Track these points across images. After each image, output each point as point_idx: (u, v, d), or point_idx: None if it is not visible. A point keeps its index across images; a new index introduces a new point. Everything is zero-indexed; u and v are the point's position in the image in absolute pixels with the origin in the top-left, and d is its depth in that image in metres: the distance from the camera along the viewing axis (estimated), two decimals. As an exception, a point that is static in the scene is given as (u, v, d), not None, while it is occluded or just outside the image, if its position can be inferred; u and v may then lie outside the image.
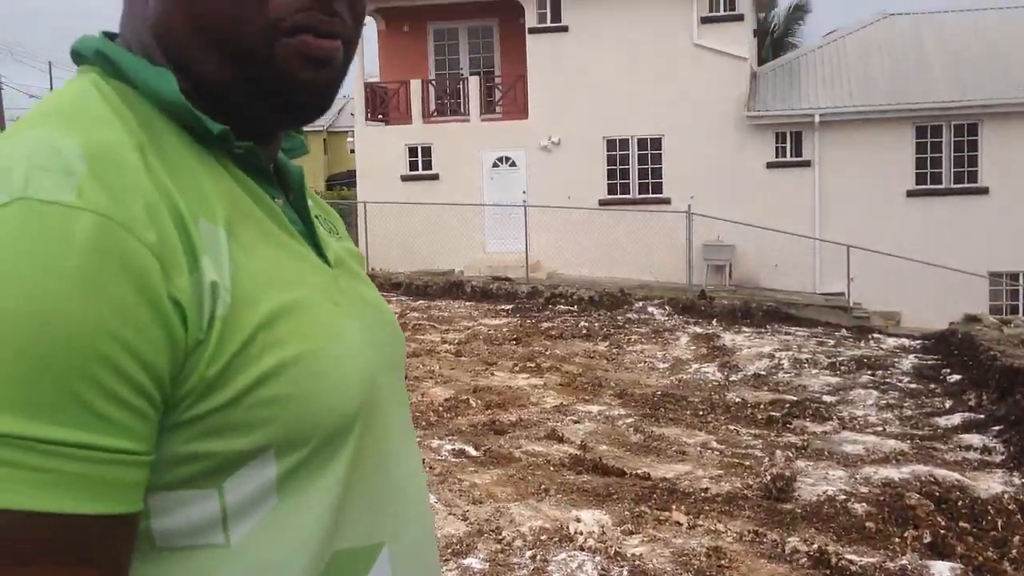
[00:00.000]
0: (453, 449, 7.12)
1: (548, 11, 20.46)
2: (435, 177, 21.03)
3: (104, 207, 0.70)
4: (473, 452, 7.08)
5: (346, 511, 0.84)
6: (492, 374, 10.03)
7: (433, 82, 22.03)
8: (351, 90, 21.61)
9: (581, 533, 5.38)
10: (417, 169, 21.23)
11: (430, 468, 6.53)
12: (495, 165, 20.79)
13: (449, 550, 5.16)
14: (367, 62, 22.04)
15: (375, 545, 0.87)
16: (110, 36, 0.88)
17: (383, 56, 22.75)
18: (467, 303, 15.44)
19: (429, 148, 21.15)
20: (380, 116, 22.05)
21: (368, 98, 21.67)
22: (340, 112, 43.32)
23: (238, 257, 0.78)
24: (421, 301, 15.51)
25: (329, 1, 0.84)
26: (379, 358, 0.90)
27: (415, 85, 21.31)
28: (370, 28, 22.23)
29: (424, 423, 7.91)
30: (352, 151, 24.21)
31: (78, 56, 0.86)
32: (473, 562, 5.03)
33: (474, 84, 21.11)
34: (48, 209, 0.69)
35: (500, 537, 5.36)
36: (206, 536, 0.76)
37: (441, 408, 8.42)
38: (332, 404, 0.81)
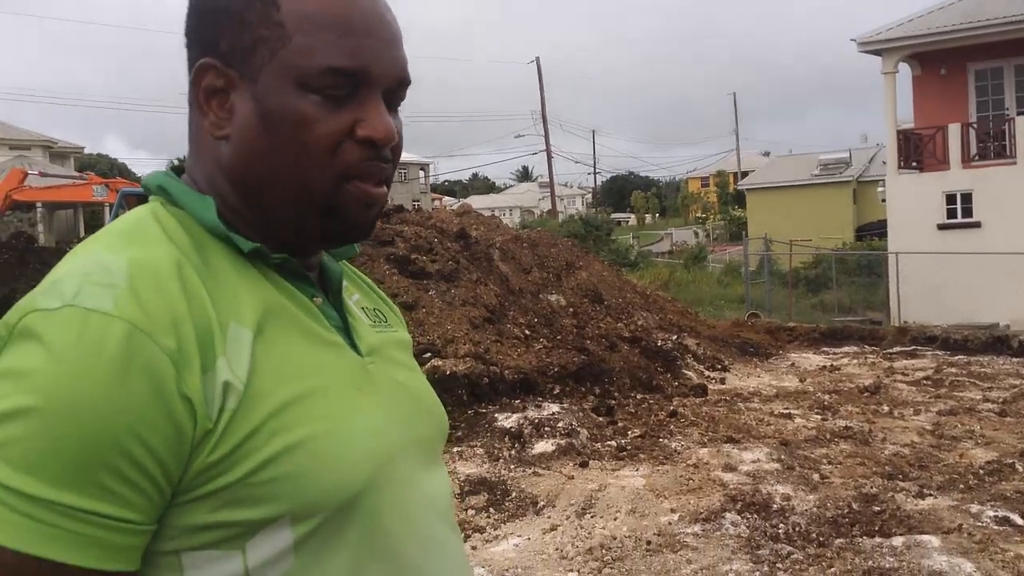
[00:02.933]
0: (995, 516, 6.65)
1: (1114, 37, 18.29)
2: (976, 225, 19.62)
3: (133, 316, 0.85)
4: (1020, 521, 6.57)
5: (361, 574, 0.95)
6: (1044, 438, 9.16)
7: (974, 125, 20.67)
8: (883, 138, 21.00)
9: None
10: (955, 217, 19.99)
11: (969, 535, 6.18)
12: (1049, 210, 18.90)
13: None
14: (900, 109, 21.30)
15: None
16: (178, 170, 1.06)
17: (917, 101, 21.84)
18: (1013, 359, 14.17)
19: (969, 195, 19.82)
20: (914, 164, 21.13)
21: (900, 146, 20.87)
22: (871, 162, 42.22)
23: (260, 354, 0.92)
24: (959, 356, 14.53)
25: (382, 149, 1.00)
26: (403, 439, 1.03)
27: (953, 129, 20.14)
28: (904, 74, 21.54)
29: (962, 486, 7.48)
30: (883, 200, 23.47)
31: (147, 189, 1.04)
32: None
33: (1022, 125, 19.45)
34: (88, 316, 0.85)
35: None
36: None
37: (981, 471, 7.89)
38: (335, 482, 0.92)
